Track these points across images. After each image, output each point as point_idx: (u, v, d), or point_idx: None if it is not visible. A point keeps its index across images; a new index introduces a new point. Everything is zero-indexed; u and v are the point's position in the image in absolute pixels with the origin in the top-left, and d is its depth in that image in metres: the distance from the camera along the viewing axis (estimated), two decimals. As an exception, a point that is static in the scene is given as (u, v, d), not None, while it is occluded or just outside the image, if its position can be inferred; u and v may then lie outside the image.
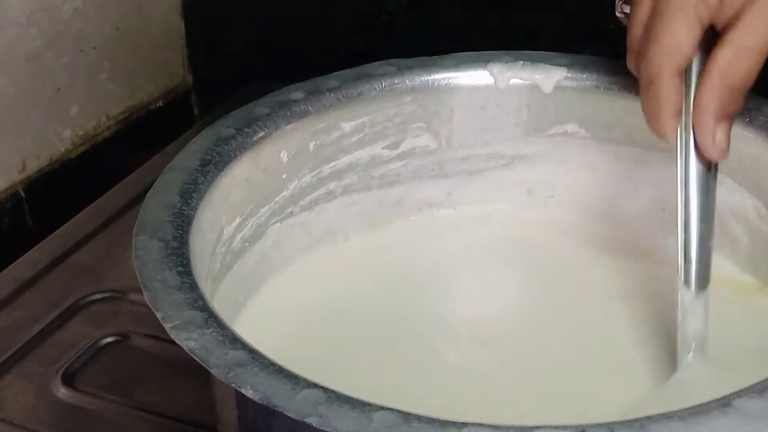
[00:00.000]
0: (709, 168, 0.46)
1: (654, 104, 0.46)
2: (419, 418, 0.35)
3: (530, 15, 0.80)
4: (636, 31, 0.48)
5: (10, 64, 0.71)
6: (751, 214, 0.53)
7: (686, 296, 0.46)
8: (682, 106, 0.46)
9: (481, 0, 0.82)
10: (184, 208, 0.46)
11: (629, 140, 0.56)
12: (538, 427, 0.35)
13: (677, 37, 0.46)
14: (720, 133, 0.45)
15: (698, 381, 0.45)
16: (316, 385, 0.36)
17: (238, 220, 0.51)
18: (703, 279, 0.46)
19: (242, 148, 0.51)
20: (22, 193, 0.74)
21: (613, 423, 0.35)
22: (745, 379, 0.37)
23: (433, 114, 0.57)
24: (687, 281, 0.46)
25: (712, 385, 0.44)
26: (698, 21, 0.45)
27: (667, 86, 0.46)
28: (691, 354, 0.46)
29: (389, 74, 0.56)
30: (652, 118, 0.47)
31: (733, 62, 0.45)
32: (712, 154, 0.46)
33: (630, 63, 0.49)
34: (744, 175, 0.52)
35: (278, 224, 0.54)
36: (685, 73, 0.47)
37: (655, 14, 0.46)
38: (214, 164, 0.49)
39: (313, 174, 0.55)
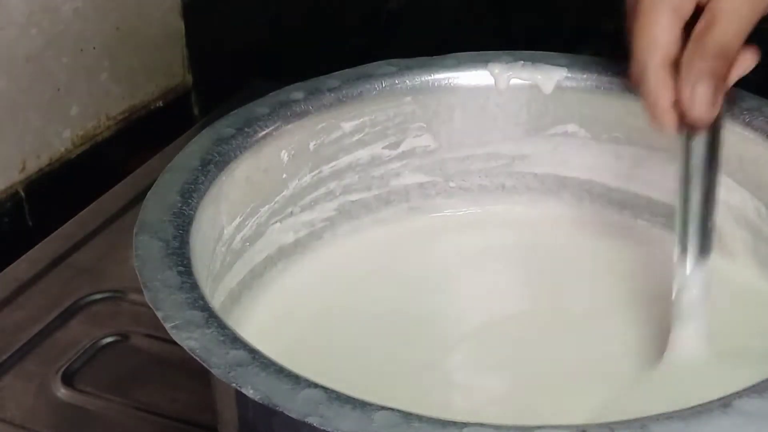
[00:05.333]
0: (712, 147, 0.46)
1: (647, 101, 0.46)
2: (420, 418, 0.35)
3: (530, 15, 0.80)
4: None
5: (10, 64, 0.71)
6: (752, 215, 0.53)
7: (682, 269, 0.46)
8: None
9: (481, 0, 0.82)
10: (184, 207, 0.46)
11: (629, 140, 0.56)
12: (538, 427, 0.35)
13: (653, 31, 0.45)
14: (701, 89, 0.44)
15: (689, 362, 0.45)
16: (316, 385, 0.36)
17: (238, 219, 0.51)
18: (702, 251, 0.46)
19: (242, 148, 0.51)
20: (22, 193, 0.74)
21: (613, 423, 0.35)
22: (738, 368, 0.37)
23: (433, 114, 0.57)
24: (683, 252, 0.46)
25: (701, 370, 0.45)
26: (672, 10, 0.45)
27: (654, 81, 0.45)
28: (685, 329, 0.46)
29: (389, 74, 0.56)
30: (650, 115, 0.46)
31: (712, 23, 0.44)
32: (693, 112, 0.44)
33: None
34: (744, 175, 0.52)
35: (278, 224, 0.54)
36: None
37: (633, 15, 0.46)
38: (214, 164, 0.49)
39: (313, 174, 0.55)
